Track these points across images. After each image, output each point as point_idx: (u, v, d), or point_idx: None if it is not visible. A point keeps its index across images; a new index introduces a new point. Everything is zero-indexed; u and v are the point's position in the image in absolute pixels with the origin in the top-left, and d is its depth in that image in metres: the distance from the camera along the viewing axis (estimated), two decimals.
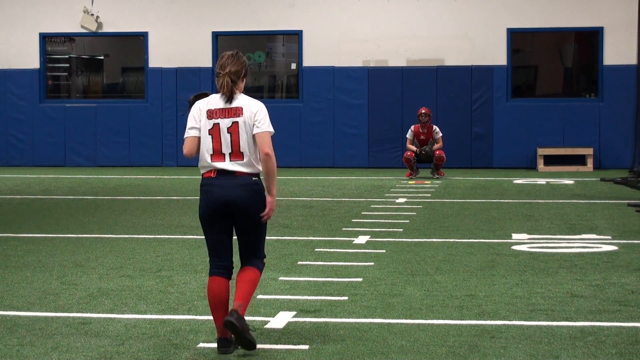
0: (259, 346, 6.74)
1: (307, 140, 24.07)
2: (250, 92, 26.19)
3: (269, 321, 7.48)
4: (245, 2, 24.89)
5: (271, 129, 6.79)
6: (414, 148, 21.11)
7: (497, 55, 23.95)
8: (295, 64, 25.02)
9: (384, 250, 11.06)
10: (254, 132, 6.72)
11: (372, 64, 24.39)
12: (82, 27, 25.39)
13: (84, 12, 25.21)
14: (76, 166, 25.04)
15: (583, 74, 25.30)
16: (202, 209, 6.79)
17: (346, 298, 8.39)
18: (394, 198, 16.78)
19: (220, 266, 6.86)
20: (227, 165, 6.70)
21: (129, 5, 25.27)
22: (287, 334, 7.14)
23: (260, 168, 6.76)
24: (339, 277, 9.40)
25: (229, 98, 6.74)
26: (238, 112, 6.73)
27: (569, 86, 25.42)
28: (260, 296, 8.48)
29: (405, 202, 16.25)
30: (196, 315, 7.79)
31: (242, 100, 6.77)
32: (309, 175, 21.63)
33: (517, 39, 24.42)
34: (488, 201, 16.44)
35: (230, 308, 6.73)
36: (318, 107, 24.13)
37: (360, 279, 9.28)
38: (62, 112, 25.33)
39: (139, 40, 25.38)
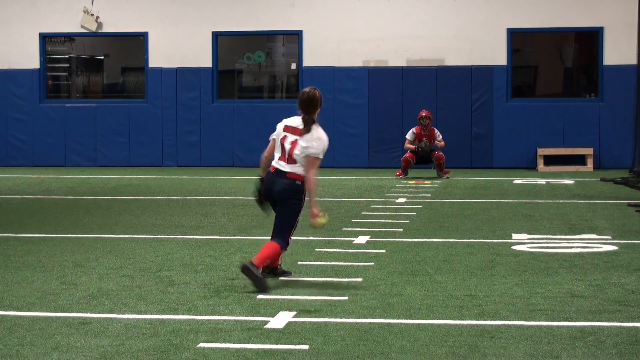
0: (259, 346, 6.75)
1: None
2: (250, 92, 26.31)
3: (269, 321, 7.49)
4: (245, 2, 24.89)
5: (320, 157, 8.97)
6: (412, 147, 21.14)
7: (497, 55, 23.95)
8: (295, 64, 25.02)
9: (384, 250, 11.06)
10: (305, 153, 8.93)
11: (372, 64, 24.39)
12: (82, 27, 25.39)
13: (84, 12, 25.21)
14: (76, 166, 25.04)
15: (583, 74, 25.30)
16: (264, 191, 9.09)
17: (346, 298, 8.40)
18: (394, 198, 16.79)
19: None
20: (285, 166, 8.96)
21: (129, 5, 25.27)
22: (287, 334, 7.14)
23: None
24: (339, 277, 9.40)
25: (305, 126, 9.00)
26: (300, 133, 8.97)
27: (569, 86, 25.42)
28: (260, 296, 8.49)
29: (405, 202, 16.25)
30: (196, 315, 7.79)
31: (313, 130, 8.98)
32: None
33: (517, 39, 24.41)
34: (488, 201, 16.45)
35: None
36: None
37: (360, 279, 9.28)
38: (62, 112, 25.33)
39: (139, 40, 25.38)
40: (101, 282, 9.21)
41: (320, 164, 9.07)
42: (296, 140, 8.98)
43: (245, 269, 8.73)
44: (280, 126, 9.16)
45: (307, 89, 9.13)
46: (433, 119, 22.00)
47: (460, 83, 23.92)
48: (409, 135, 21.39)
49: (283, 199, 8.98)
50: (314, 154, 8.94)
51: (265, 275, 9.10)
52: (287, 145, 9.00)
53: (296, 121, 9.10)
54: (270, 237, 9.17)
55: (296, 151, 8.94)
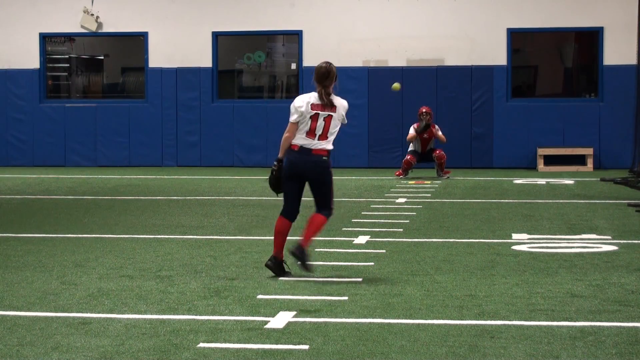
0: (259, 346, 6.75)
1: None
2: (250, 92, 26.28)
3: (269, 321, 7.49)
4: (245, 2, 24.89)
5: (346, 122, 9.68)
6: (415, 134, 21.06)
7: (497, 55, 23.95)
8: (295, 64, 25.02)
9: (384, 250, 11.06)
10: (340, 123, 9.49)
11: (372, 64, 24.39)
12: (82, 27, 25.39)
13: (84, 12, 25.21)
14: (76, 166, 25.05)
15: (583, 74, 25.30)
16: (284, 170, 9.43)
17: (346, 298, 8.40)
18: (394, 198, 16.79)
19: (287, 211, 9.55)
20: (313, 143, 9.37)
21: (129, 5, 25.28)
22: (287, 334, 7.14)
23: (332, 147, 9.50)
24: (339, 277, 9.40)
25: (325, 102, 9.38)
26: (333, 109, 9.42)
27: (569, 86, 25.42)
28: (260, 296, 8.49)
29: (405, 202, 16.25)
30: (196, 315, 7.79)
31: (335, 100, 9.44)
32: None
33: (517, 39, 24.42)
34: (488, 201, 16.45)
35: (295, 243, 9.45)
36: None
37: (360, 279, 9.28)
38: (62, 112, 25.33)
39: (139, 40, 25.39)
40: (101, 282, 9.21)
41: None
42: (330, 116, 9.40)
43: (296, 251, 9.35)
44: (302, 105, 9.36)
45: (323, 63, 9.50)
46: (433, 116, 21.91)
47: (460, 83, 23.92)
48: (411, 130, 21.31)
49: (315, 175, 9.42)
50: (344, 122, 9.62)
51: (269, 264, 9.45)
52: (321, 122, 9.37)
53: (315, 98, 9.43)
54: (316, 209, 9.52)
55: (332, 126, 9.40)
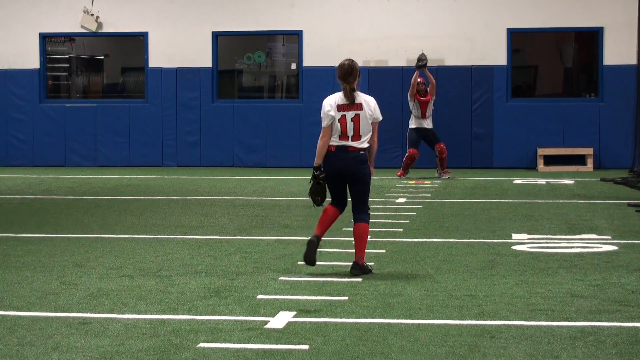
0: (259, 346, 6.75)
1: (307, 140, 24.01)
2: (250, 92, 26.28)
3: (269, 321, 7.49)
4: (245, 2, 24.89)
5: (380, 118, 9.66)
6: (413, 80, 20.97)
7: (497, 55, 23.95)
8: (295, 64, 25.02)
9: (384, 250, 11.06)
10: (370, 121, 9.52)
11: (372, 64, 24.38)
12: (82, 27, 25.39)
13: (84, 12, 25.21)
14: (76, 166, 25.04)
15: (583, 74, 25.30)
16: (326, 171, 9.57)
17: (346, 298, 8.40)
18: (394, 198, 16.78)
19: (336, 202, 9.67)
20: (349, 143, 9.45)
21: (129, 5, 25.28)
22: (287, 334, 7.14)
23: (367, 145, 9.52)
24: (339, 277, 9.40)
25: (351, 99, 9.53)
26: (359, 107, 9.53)
27: (569, 86, 25.42)
28: (260, 296, 8.49)
29: (405, 202, 16.25)
30: (196, 315, 7.79)
31: (360, 97, 9.59)
32: (310, 175, 21.60)
33: (517, 39, 24.41)
34: (488, 201, 16.45)
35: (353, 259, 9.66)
36: (318, 107, 23.87)
37: (360, 279, 9.29)
38: (62, 112, 25.33)
39: (139, 40, 25.39)
40: (101, 282, 9.21)
41: None
42: (357, 115, 9.50)
43: (355, 270, 9.47)
44: (330, 109, 9.53)
45: (345, 60, 9.73)
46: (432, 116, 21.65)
47: (460, 83, 23.92)
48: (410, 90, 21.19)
49: (354, 170, 9.46)
50: (377, 118, 9.60)
51: (313, 239, 9.51)
52: (350, 123, 9.47)
53: (340, 97, 9.59)
54: (353, 212, 9.60)
55: (362, 125, 9.47)
